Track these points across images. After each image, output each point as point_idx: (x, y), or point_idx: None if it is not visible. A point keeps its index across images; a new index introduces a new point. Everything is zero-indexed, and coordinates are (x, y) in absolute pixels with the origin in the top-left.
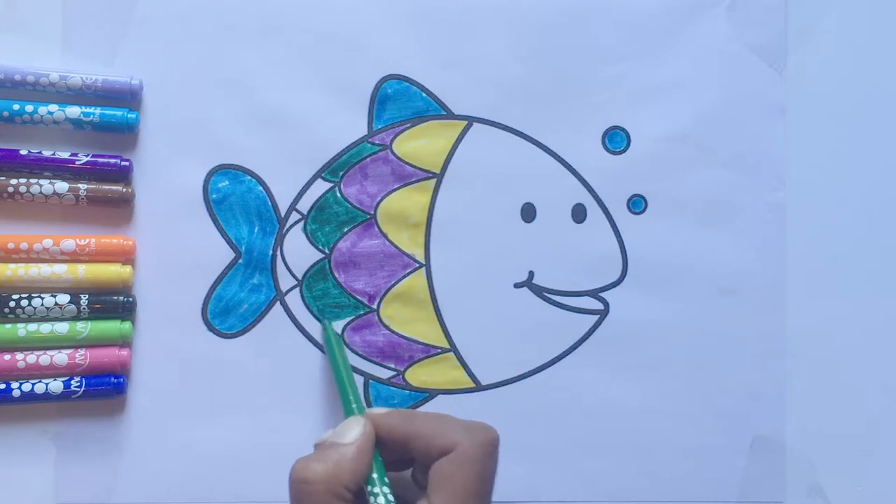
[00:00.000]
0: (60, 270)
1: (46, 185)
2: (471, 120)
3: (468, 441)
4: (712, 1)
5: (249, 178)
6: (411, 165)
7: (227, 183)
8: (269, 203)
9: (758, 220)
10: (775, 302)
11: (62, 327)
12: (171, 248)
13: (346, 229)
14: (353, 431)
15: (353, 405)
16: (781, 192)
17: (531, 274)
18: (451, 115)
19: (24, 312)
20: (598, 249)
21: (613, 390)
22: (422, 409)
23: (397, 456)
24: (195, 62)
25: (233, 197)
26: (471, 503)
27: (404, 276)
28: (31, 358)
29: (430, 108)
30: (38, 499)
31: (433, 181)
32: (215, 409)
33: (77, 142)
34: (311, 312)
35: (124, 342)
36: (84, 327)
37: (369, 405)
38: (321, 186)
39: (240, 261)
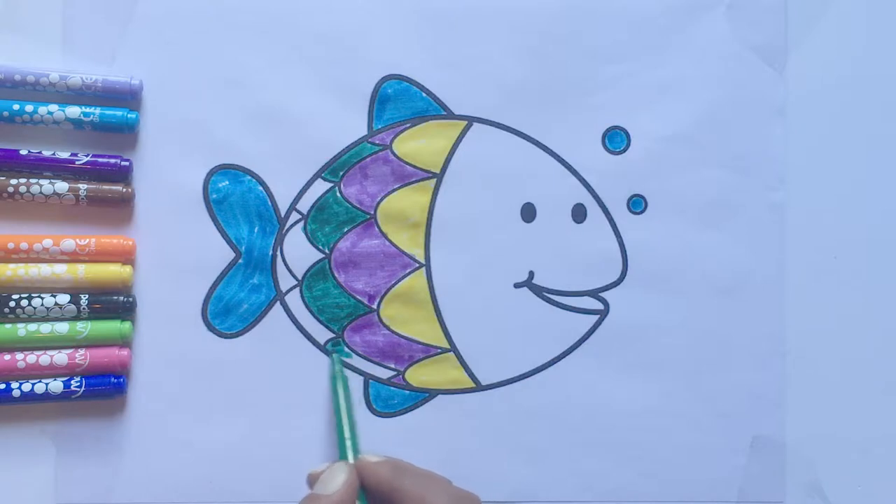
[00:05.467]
0: (60, 270)
1: (46, 185)
2: (471, 120)
3: None
4: (712, 1)
5: (249, 178)
6: (411, 165)
7: (227, 183)
8: (269, 203)
9: (757, 220)
10: (775, 302)
11: (62, 327)
12: (171, 248)
13: (346, 229)
14: (337, 481)
15: (349, 448)
16: (781, 192)
17: (531, 274)
18: (451, 115)
19: (24, 312)
20: (598, 249)
21: (613, 390)
22: (422, 409)
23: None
24: (195, 62)
25: (233, 197)
26: None
27: (404, 276)
28: (31, 358)
29: (430, 108)
30: (38, 499)
31: (433, 181)
32: (215, 409)
33: (77, 142)
34: (312, 313)
35: (124, 342)
36: (84, 327)
37: (369, 405)
38: (321, 186)
39: (240, 261)
